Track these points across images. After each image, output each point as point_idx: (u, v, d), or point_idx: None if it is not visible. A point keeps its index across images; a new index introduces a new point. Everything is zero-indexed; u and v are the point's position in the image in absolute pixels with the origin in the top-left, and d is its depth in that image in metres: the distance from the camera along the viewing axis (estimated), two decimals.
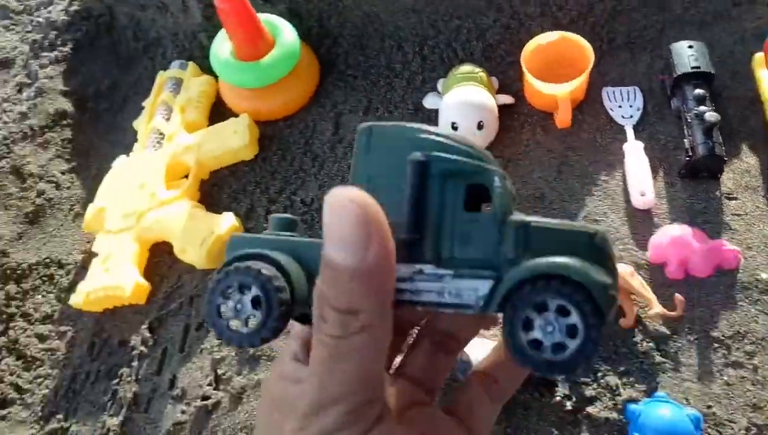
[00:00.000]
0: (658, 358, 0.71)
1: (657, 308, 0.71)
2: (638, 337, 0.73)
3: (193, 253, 0.87)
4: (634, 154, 0.81)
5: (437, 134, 0.25)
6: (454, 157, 0.25)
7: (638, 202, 0.78)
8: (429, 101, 0.94)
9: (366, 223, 0.21)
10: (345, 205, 0.21)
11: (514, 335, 0.23)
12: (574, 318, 0.23)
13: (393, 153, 0.25)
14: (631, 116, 0.86)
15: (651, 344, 0.72)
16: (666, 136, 0.85)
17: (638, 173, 0.80)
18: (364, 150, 0.25)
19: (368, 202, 0.21)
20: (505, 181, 0.25)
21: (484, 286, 0.24)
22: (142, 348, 0.88)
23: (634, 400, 0.69)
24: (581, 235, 0.24)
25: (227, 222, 0.88)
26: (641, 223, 0.79)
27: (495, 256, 0.24)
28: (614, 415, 0.70)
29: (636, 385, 0.71)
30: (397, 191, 0.24)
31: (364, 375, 0.22)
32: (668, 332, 0.72)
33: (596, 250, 0.24)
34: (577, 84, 0.83)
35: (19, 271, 0.97)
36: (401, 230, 0.24)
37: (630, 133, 0.84)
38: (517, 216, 0.25)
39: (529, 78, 0.84)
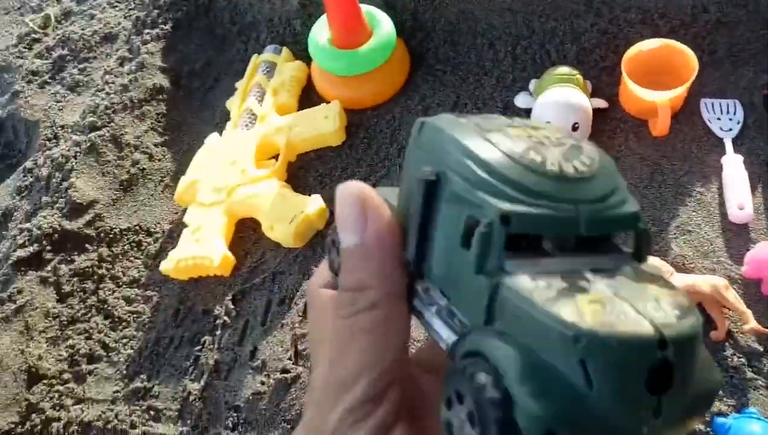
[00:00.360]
0: (750, 374, 0.70)
1: (752, 323, 0.70)
2: (729, 351, 0.72)
3: (281, 230, 0.90)
4: (734, 167, 0.80)
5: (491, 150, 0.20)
6: (461, 180, 0.20)
7: (736, 216, 0.77)
8: (521, 100, 0.94)
9: (362, 206, 0.23)
10: (346, 194, 0.23)
11: (438, 408, 0.20)
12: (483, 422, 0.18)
13: (432, 157, 0.21)
14: (731, 129, 0.85)
15: (742, 359, 0.71)
16: (766, 152, 0.83)
17: (737, 187, 0.79)
18: (414, 145, 0.22)
19: (365, 190, 0.23)
20: (511, 221, 0.19)
21: (450, 337, 0.21)
22: (225, 318, 0.91)
23: (723, 414, 0.69)
24: (558, 334, 0.17)
25: (316, 204, 0.91)
26: (736, 236, 0.78)
27: (471, 310, 0.20)
28: (700, 426, 0.69)
29: (725, 399, 0.70)
30: None
31: (377, 357, 0.22)
32: (761, 349, 0.71)
33: (574, 359, 0.16)
34: (679, 92, 0.82)
35: (111, 236, 1.02)
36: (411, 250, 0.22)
37: (729, 146, 0.83)
38: (514, 279, 0.19)
39: (629, 83, 0.84)
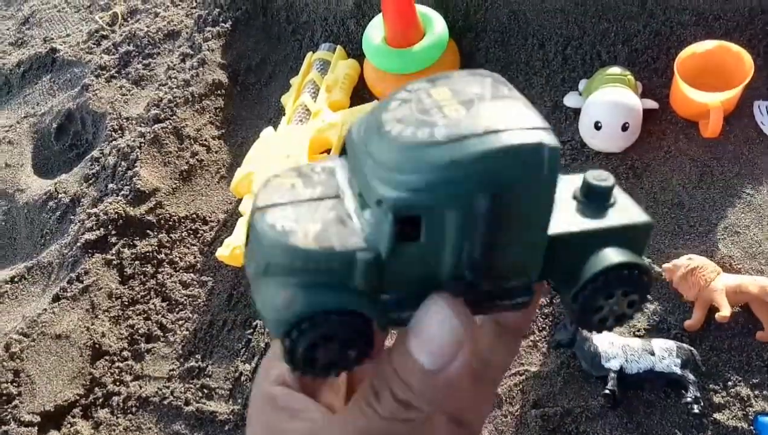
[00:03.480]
0: None
1: None
2: None
3: None
4: None
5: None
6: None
7: None
8: (570, 100, 0.95)
9: (460, 341, 0.22)
10: (447, 314, 0.22)
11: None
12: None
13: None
14: None
15: None
16: None
17: None
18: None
19: (467, 319, 0.22)
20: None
21: None
22: None
23: (767, 413, 0.69)
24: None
25: None
26: None
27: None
28: (743, 424, 0.70)
29: None
30: None
31: None
32: None
33: None
34: (733, 94, 0.82)
35: (170, 223, 1.07)
36: None
37: None
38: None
39: (681, 85, 0.84)
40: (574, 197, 0.26)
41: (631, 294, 0.25)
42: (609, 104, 0.86)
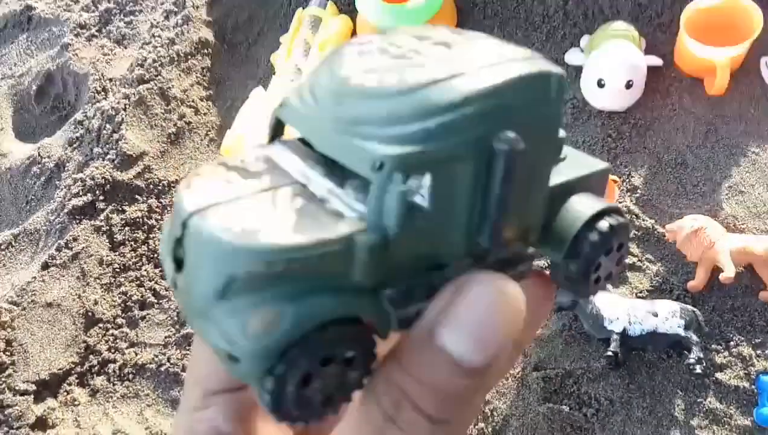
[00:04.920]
0: None
1: None
2: None
3: None
4: None
5: None
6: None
7: None
8: (572, 57, 0.93)
9: (516, 330, 0.17)
10: (503, 304, 0.17)
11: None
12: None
13: None
14: None
15: None
16: None
17: None
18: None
19: (522, 306, 0.18)
20: None
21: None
22: None
23: None
24: None
25: None
26: None
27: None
28: (745, 384, 0.70)
29: None
30: None
31: None
32: None
33: None
34: (741, 50, 0.80)
35: (159, 187, 1.04)
36: None
37: None
38: None
39: (687, 41, 0.82)
40: None
41: (623, 247, 0.23)
42: (613, 61, 0.83)
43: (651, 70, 0.88)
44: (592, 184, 0.23)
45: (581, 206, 0.22)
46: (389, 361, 0.18)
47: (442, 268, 0.19)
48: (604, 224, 0.22)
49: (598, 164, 0.23)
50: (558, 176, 0.22)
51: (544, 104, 0.19)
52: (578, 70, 0.91)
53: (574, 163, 0.23)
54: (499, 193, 0.18)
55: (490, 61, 0.18)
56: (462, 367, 0.17)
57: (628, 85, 0.83)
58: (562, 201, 0.22)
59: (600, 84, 0.84)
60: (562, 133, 0.21)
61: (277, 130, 0.21)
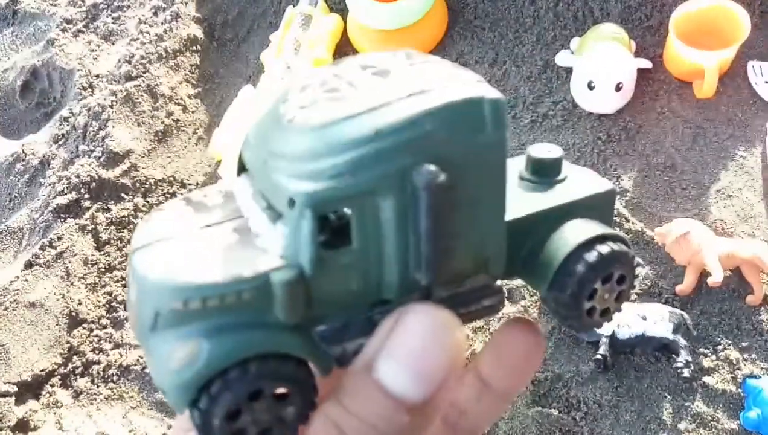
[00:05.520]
0: None
1: None
2: (764, 316, 0.73)
3: None
4: None
5: None
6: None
7: None
8: (562, 58, 0.93)
9: (456, 353, 0.17)
10: (431, 320, 0.17)
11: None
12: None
13: None
14: None
15: None
16: None
17: None
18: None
19: (459, 335, 0.17)
20: None
21: None
22: None
23: (755, 376, 0.70)
24: None
25: None
26: None
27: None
28: (732, 387, 0.70)
29: (758, 362, 0.71)
30: None
31: None
32: None
33: None
34: (728, 54, 0.80)
35: (146, 186, 1.03)
36: None
37: None
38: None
39: (676, 44, 0.82)
40: (521, 178, 0.22)
41: (625, 280, 0.22)
42: (602, 63, 0.83)
43: (640, 72, 0.88)
44: (593, 207, 0.22)
45: (570, 233, 0.21)
46: (327, 397, 0.18)
47: (385, 304, 0.19)
48: (592, 255, 0.20)
49: (601, 185, 0.22)
50: (548, 200, 0.21)
51: (476, 132, 0.18)
52: (568, 72, 0.91)
53: (574, 184, 0.22)
54: (427, 227, 0.18)
55: (417, 90, 0.18)
56: (402, 402, 0.16)
57: (618, 88, 0.83)
58: (551, 227, 0.21)
59: (590, 86, 0.84)
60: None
61: (241, 163, 0.21)
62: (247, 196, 0.20)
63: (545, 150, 0.22)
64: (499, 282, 0.21)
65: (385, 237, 0.18)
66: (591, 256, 0.20)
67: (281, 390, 0.18)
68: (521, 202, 0.21)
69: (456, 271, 0.19)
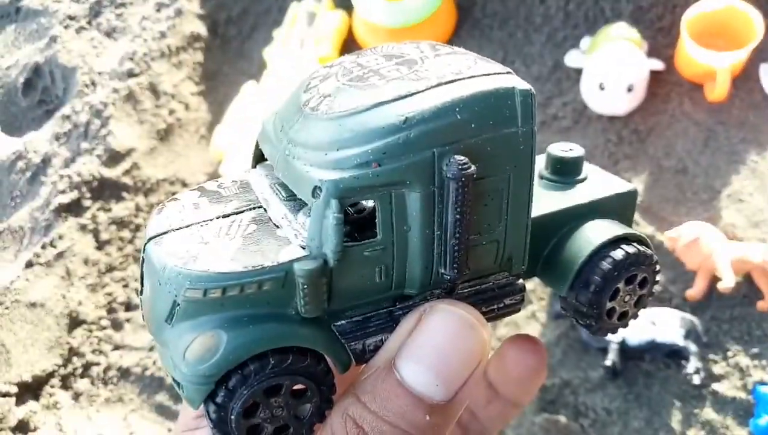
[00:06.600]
0: None
1: None
2: None
3: None
4: None
5: None
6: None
7: None
8: (572, 58, 0.91)
9: (480, 354, 0.16)
10: (458, 321, 0.16)
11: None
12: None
13: None
14: None
15: None
16: None
17: None
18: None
19: (486, 336, 0.16)
20: None
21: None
22: None
23: (765, 383, 0.68)
24: None
25: None
26: None
27: None
28: (742, 395, 0.69)
29: None
30: None
31: None
32: None
33: None
34: (741, 56, 0.79)
35: (147, 185, 1.02)
36: None
37: None
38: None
39: (688, 44, 0.81)
40: (541, 176, 0.22)
41: (646, 284, 0.22)
42: (614, 63, 0.82)
43: (651, 74, 0.87)
44: (614, 207, 0.21)
45: (594, 232, 0.20)
46: (346, 393, 0.17)
47: (406, 299, 0.18)
48: (618, 253, 0.20)
49: (622, 186, 0.22)
50: (570, 198, 0.21)
51: (506, 123, 0.18)
52: (578, 72, 0.90)
53: (594, 183, 0.22)
54: (454, 220, 0.17)
55: (446, 79, 0.17)
56: (424, 402, 0.16)
57: (630, 89, 0.82)
58: (573, 226, 0.21)
59: (601, 87, 0.83)
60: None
61: (258, 153, 0.21)
62: (264, 186, 0.19)
63: (566, 148, 0.22)
64: (520, 280, 0.21)
65: (411, 229, 0.17)
66: (618, 254, 0.20)
67: (299, 386, 0.17)
68: (542, 200, 0.21)
69: (480, 268, 0.19)
